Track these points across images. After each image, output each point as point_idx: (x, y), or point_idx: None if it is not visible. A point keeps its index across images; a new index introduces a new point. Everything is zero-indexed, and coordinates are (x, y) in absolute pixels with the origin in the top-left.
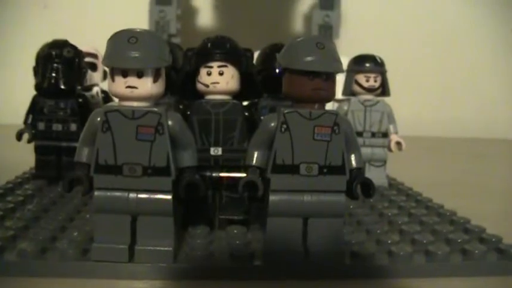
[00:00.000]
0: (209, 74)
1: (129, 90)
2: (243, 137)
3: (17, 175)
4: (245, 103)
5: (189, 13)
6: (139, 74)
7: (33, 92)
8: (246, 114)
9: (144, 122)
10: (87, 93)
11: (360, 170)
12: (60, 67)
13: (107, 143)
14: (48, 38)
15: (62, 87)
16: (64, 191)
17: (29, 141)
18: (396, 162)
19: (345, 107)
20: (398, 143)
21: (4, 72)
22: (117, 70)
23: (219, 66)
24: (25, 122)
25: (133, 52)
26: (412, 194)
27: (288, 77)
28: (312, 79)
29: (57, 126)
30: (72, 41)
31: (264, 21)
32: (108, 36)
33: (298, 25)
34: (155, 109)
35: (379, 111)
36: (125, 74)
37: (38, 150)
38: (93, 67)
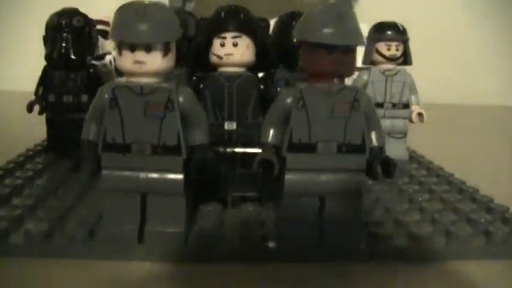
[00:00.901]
0: (222, 45)
1: (137, 65)
2: (258, 111)
3: (28, 148)
4: (260, 74)
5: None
6: (148, 49)
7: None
8: (262, 87)
9: (153, 98)
10: (99, 62)
11: (380, 149)
12: (69, 37)
13: (115, 120)
14: (59, 3)
15: (72, 57)
16: (73, 171)
17: (40, 113)
18: (416, 132)
19: (365, 77)
20: (420, 114)
21: (16, 38)
22: (125, 44)
23: (233, 37)
24: (36, 93)
25: (141, 25)
26: (433, 169)
27: (305, 51)
28: (330, 53)
29: (68, 98)
30: (83, 9)
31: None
32: (120, 3)
33: None
34: (165, 85)
35: (400, 81)
36: (132, 48)
37: (49, 123)
38: (105, 35)
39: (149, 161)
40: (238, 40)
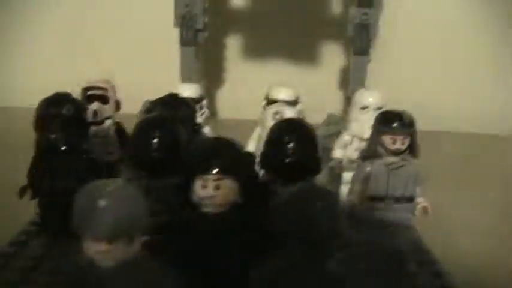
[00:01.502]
0: (204, 186)
1: (100, 256)
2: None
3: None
4: None
5: (216, 4)
6: (110, 241)
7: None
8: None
9: None
10: (99, 127)
11: None
12: (59, 127)
13: None
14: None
15: (63, 148)
16: None
17: (31, 199)
18: None
19: (368, 168)
20: (424, 208)
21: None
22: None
23: (215, 180)
24: (28, 177)
25: (100, 219)
26: (438, 272)
27: None
28: None
29: (62, 184)
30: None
31: (295, 16)
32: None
33: (339, 19)
34: None
35: (404, 174)
36: (94, 239)
37: (41, 207)
38: (104, 100)
39: None
40: (220, 183)
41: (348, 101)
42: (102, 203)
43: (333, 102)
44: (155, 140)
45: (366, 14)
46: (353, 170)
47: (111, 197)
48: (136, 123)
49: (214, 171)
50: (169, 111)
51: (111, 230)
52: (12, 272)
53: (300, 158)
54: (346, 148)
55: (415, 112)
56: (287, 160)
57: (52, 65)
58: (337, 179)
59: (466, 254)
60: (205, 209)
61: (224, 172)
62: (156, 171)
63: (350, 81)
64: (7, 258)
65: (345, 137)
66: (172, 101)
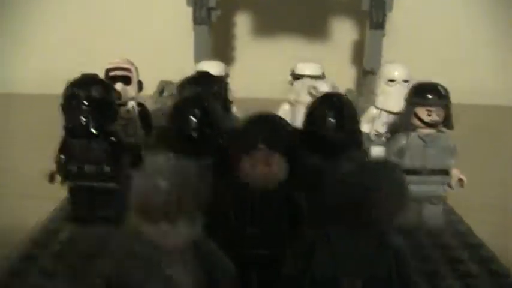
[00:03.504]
0: (254, 164)
1: (163, 238)
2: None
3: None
4: None
5: None
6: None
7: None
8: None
9: None
10: (122, 109)
11: None
12: (88, 108)
13: None
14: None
15: (93, 130)
16: None
17: (61, 183)
18: None
19: (403, 141)
20: (460, 180)
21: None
22: None
23: (265, 156)
24: (56, 162)
25: (162, 198)
26: (472, 244)
27: None
28: None
29: (90, 168)
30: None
31: None
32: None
33: None
34: None
35: (440, 146)
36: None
37: (71, 191)
38: (127, 81)
39: None
40: (270, 159)
41: (364, 74)
42: (164, 181)
43: (346, 77)
44: (195, 119)
45: None
46: (381, 143)
47: (175, 175)
48: (174, 102)
49: (263, 148)
50: (202, 89)
51: (173, 209)
52: (46, 259)
53: (344, 132)
54: (373, 122)
55: None
56: (330, 134)
57: (62, 50)
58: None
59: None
60: (254, 186)
61: (273, 148)
62: (195, 150)
63: (365, 56)
64: (40, 245)
65: (372, 111)
66: (203, 78)
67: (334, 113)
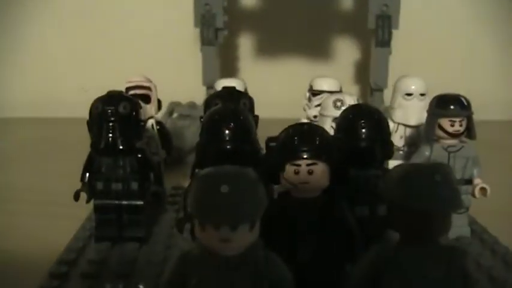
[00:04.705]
0: (297, 172)
1: (223, 244)
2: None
3: (76, 234)
4: None
5: (236, 3)
6: (233, 227)
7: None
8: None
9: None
10: None
11: None
12: (116, 125)
13: None
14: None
15: (121, 147)
16: None
17: (87, 201)
18: None
19: (427, 153)
20: (482, 189)
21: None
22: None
23: (308, 165)
24: (82, 180)
25: (226, 204)
26: (499, 251)
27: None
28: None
29: (117, 186)
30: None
31: (313, 8)
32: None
33: (351, 15)
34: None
35: (463, 156)
36: (217, 226)
37: (97, 209)
38: (146, 99)
39: None
40: (314, 167)
41: (371, 92)
42: (226, 187)
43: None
44: (229, 131)
45: (386, 5)
46: (399, 157)
47: (235, 182)
48: (206, 115)
49: (307, 156)
50: (232, 104)
51: (236, 215)
52: (76, 280)
53: (374, 142)
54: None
55: None
56: (363, 145)
57: (73, 72)
58: None
59: None
60: (296, 195)
61: (317, 157)
62: (231, 163)
63: (372, 73)
64: (69, 265)
65: (390, 125)
66: (230, 94)
67: (363, 123)
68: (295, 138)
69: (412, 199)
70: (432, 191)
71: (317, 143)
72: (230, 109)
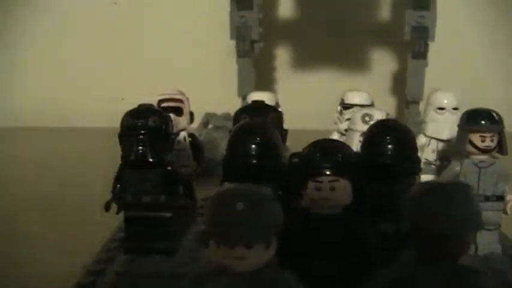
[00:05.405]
0: (318, 189)
1: (238, 261)
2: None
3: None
4: None
5: (270, 15)
6: (248, 246)
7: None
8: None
9: None
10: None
11: None
12: (146, 138)
13: None
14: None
15: (151, 160)
16: None
17: (117, 213)
18: None
19: (457, 168)
20: None
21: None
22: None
23: (330, 181)
24: (112, 191)
25: (240, 223)
26: None
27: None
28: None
29: (146, 198)
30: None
31: (348, 19)
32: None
33: (386, 26)
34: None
35: (494, 172)
36: (232, 244)
37: (127, 221)
38: (179, 112)
39: None
40: (335, 184)
41: (407, 104)
42: (241, 205)
43: (387, 107)
44: (253, 146)
45: (422, 16)
46: (431, 172)
47: (251, 199)
48: (233, 130)
49: (329, 173)
50: (260, 118)
51: (251, 234)
52: None
53: (400, 158)
54: (423, 150)
55: None
56: (388, 161)
57: (106, 83)
58: None
59: None
60: (318, 211)
61: (339, 173)
62: (256, 178)
63: (408, 86)
64: (95, 276)
65: (422, 139)
66: (257, 108)
67: (390, 138)
68: (317, 154)
69: (430, 218)
70: (450, 210)
71: (339, 159)
72: (255, 124)
